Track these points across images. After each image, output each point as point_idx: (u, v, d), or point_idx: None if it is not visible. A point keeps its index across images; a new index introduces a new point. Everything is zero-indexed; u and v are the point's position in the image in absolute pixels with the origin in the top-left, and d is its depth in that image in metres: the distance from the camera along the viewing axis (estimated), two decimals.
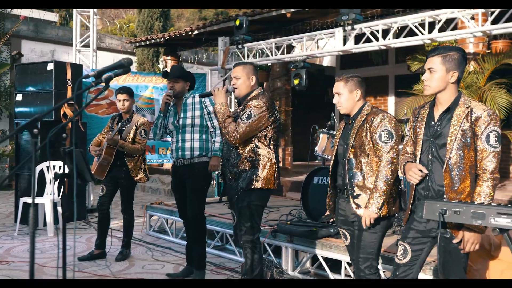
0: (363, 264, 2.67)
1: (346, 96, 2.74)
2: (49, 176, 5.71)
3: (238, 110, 3.23)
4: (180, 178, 3.87)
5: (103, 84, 2.08)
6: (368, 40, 5.88)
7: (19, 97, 6.31)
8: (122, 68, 2.10)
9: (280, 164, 3.56)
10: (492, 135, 2.25)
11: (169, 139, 4.04)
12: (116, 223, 5.78)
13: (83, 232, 5.66)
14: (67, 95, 6.10)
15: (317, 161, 8.47)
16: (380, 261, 3.42)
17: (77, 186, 5.15)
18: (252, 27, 7.37)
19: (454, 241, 2.29)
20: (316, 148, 4.80)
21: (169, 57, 10.79)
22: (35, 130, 1.82)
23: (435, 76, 2.35)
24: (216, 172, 5.18)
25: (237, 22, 6.93)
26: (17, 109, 6.34)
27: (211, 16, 22.25)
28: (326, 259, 3.88)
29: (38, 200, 5.50)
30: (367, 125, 2.66)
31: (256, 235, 3.18)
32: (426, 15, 5.37)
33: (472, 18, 5.17)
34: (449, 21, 5.39)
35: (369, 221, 2.57)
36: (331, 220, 2.97)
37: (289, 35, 7.06)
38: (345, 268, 3.73)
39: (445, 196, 2.31)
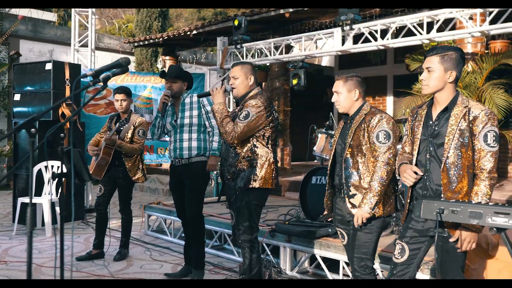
0: (358, 264, 2.67)
1: (344, 95, 2.74)
2: (47, 176, 5.70)
3: (236, 110, 3.24)
4: (178, 178, 3.87)
5: (101, 83, 2.08)
6: (366, 40, 5.89)
7: (17, 97, 6.30)
8: (120, 67, 2.10)
9: (279, 164, 3.56)
10: (489, 135, 2.26)
11: (167, 139, 4.04)
12: (114, 223, 5.78)
13: (81, 232, 5.65)
14: (65, 95, 6.09)
15: (315, 161, 8.49)
16: (378, 260, 3.43)
17: (75, 186, 5.15)
18: (251, 27, 7.37)
19: (451, 240, 2.30)
20: (315, 148, 4.81)
21: (167, 57, 10.79)
22: (33, 130, 1.82)
23: (433, 76, 2.36)
24: (215, 172, 5.18)
25: (236, 22, 6.92)
26: (15, 109, 6.33)
27: (209, 16, 22.24)
28: (324, 259, 3.88)
29: (36, 200, 5.49)
30: (365, 125, 2.66)
31: (255, 235, 3.18)
32: (424, 15, 5.37)
33: (471, 18, 5.18)
34: (447, 21, 5.40)
35: (361, 221, 2.58)
36: (329, 220, 2.97)
37: (287, 35, 7.06)
38: (343, 267, 3.73)
39: (442, 195, 2.32)
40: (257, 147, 3.09)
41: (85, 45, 8.27)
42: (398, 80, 9.23)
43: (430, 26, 5.39)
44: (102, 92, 6.48)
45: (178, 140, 3.82)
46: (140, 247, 4.96)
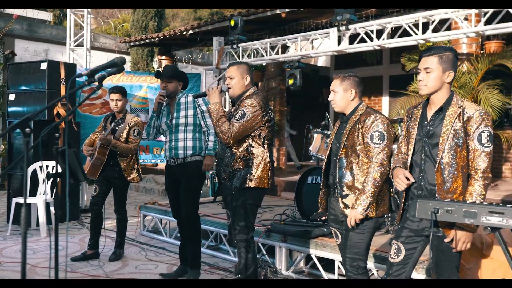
0: (350, 264, 2.68)
1: (340, 94, 2.74)
2: (41, 176, 5.67)
3: (232, 110, 3.24)
4: (174, 178, 3.86)
5: (97, 83, 2.07)
6: (362, 40, 5.90)
7: (12, 97, 6.27)
8: (116, 67, 2.09)
9: (275, 164, 3.56)
10: (484, 135, 2.27)
11: (163, 139, 4.03)
12: (110, 223, 5.76)
13: (76, 233, 5.63)
14: (60, 94, 6.06)
15: (311, 161, 8.51)
16: (373, 260, 3.43)
17: (70, 186, 5.12)
18: (247, 27, 7.36)
19: (446, 240, 2.31)
20: (310, 148, 4.81)
21: (163, 57, 10.76)
22: (27, 129, 1.81)
23: (432, 76, 2.36)
24: (210, 172, 5.18)
25: (232, 22, 6.93)
26: (10, 109, 6.29)
27: (206, 16, 22.22)
28: (320, 259, 3.88)
29: (30, 200, 5.47)
30: (360, 126, 2.66)
31: (250, 234, 3.18)
32: (420, 16, 5.39)
33: (466, 18, 5.20)
34: (442, 22, 5.42)
35: (354, 222, 2.59)
36: (323, 218, 2.98)
37: (283, 35, 7.07)
38: (339, 267, 3.73)
39: (437, 195, 2.33)
40: (253, 147, 3.09)
41: (80, 45, 8.25)
42: (393, 80, 9.26)
43: (425, 26, 5.41)
44: (98, 91, 6.47)
45: (173, 140, 3.82)
46: (135, 247, 4.94)
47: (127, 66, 12.88)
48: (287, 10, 7.13)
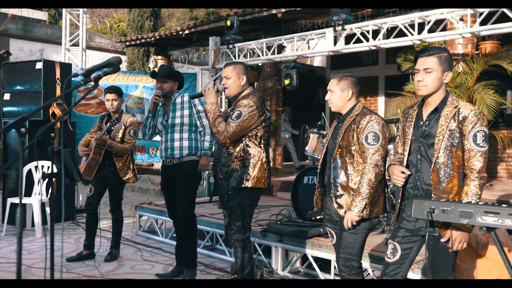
0: (344, 264, 2.69)
1: (337, 94, 2.75)
2: (37, 176, 5.65)
3: (229, 110, 3.23)
4: (170, 178, 3.86)
5: (92, 83, 2.06)
6: (358, 41, 5.91)
7: (7, 96, 6.24)
8: (112, 66, 2.08)
9: (271, 164, 3.56)
10: (479, 135, 2.27)
11: (159, 139, 4.03)
12: (105, 223, 5.73)
13: (71, 233, 5.61)
14: (56, 94, 6.04)
15: (307, 161, 8.52)
16: (368, 260, 3.44)
17: (65, 186, 5.09)
18: (243, 27, 7.36)
19: (442, 240, 2.31)
20: (307, 148, 4.81)
21: (159, 57, 10.75)
22: (23, 129, 1.80)
23: (432, 77, 2.36)
24: (206, 172, 5.17)
25: (228, 22, 6.92)
26: (5, 109, 6.26)
27: (202, 16, 22.19)
28: (316, 259, 3.89)
29: (26, 200, 5.44)
30: (355, 126, 2.66)
31: (247, 234, 3.18)
32: (415, 16, 5.41)
33: (461, 19, 5.22)
34: (438, 22, 5.44)
35: (351, 224, 2.60)
36: (318, 217, 2.98)
37: (280, 35, 7.08)
38: (335, 267, 3.73)
39: (433, 195, 2.33)
40: (249, 147, 3.09)
41: (76, 44, 8.22)
42: (389, 81, 9.29)
43: (421, 27, 5.43)
44: (93, 91, 6.43)
45: (169, 140, 3.81)
46: (131, 248, 4.93)
47: (123, 66, 12.84)
48: (283, 10, 7.14)
